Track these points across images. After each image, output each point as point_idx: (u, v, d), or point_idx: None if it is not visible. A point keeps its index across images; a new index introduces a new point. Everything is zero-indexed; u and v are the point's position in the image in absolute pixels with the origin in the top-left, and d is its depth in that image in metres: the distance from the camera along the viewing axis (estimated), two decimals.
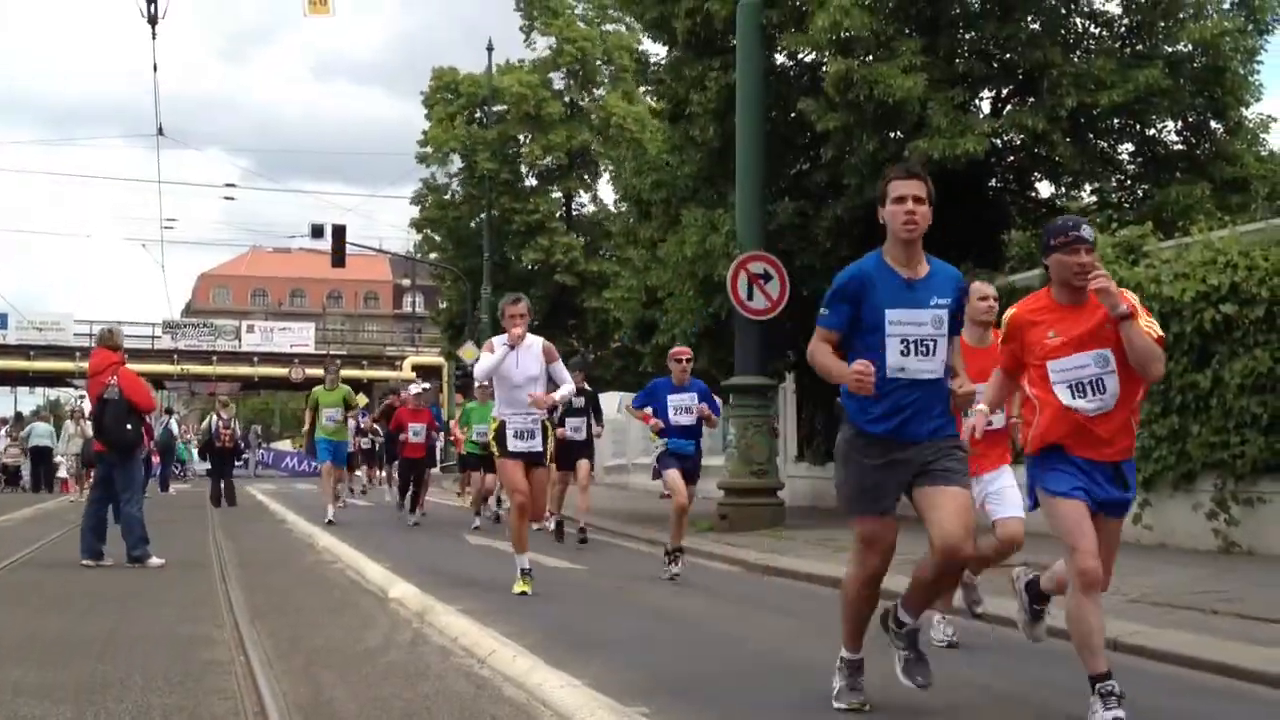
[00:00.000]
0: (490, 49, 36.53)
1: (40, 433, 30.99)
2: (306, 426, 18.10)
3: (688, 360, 11.00)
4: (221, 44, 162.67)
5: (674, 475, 10.51)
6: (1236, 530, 11.03)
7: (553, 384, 9.56)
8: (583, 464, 14.73)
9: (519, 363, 9.18)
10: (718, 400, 13.15)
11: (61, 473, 30.56)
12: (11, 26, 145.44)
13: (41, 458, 30.61)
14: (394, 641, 7.01)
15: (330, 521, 16.34)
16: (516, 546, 9.26)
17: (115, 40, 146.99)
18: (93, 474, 13.63)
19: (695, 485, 10.85)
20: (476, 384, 16.04)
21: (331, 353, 56.35)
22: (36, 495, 27.73)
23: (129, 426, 11.28)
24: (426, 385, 19.26)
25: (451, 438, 20.18)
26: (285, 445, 63.05)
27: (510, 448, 9.23)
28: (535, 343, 9.27)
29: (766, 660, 6.68)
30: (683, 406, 10.72)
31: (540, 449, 9.39)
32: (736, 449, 15.01)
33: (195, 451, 35.28)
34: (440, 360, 50.02)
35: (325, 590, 9.72)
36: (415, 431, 17.55)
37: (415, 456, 17.86)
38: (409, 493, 17.97)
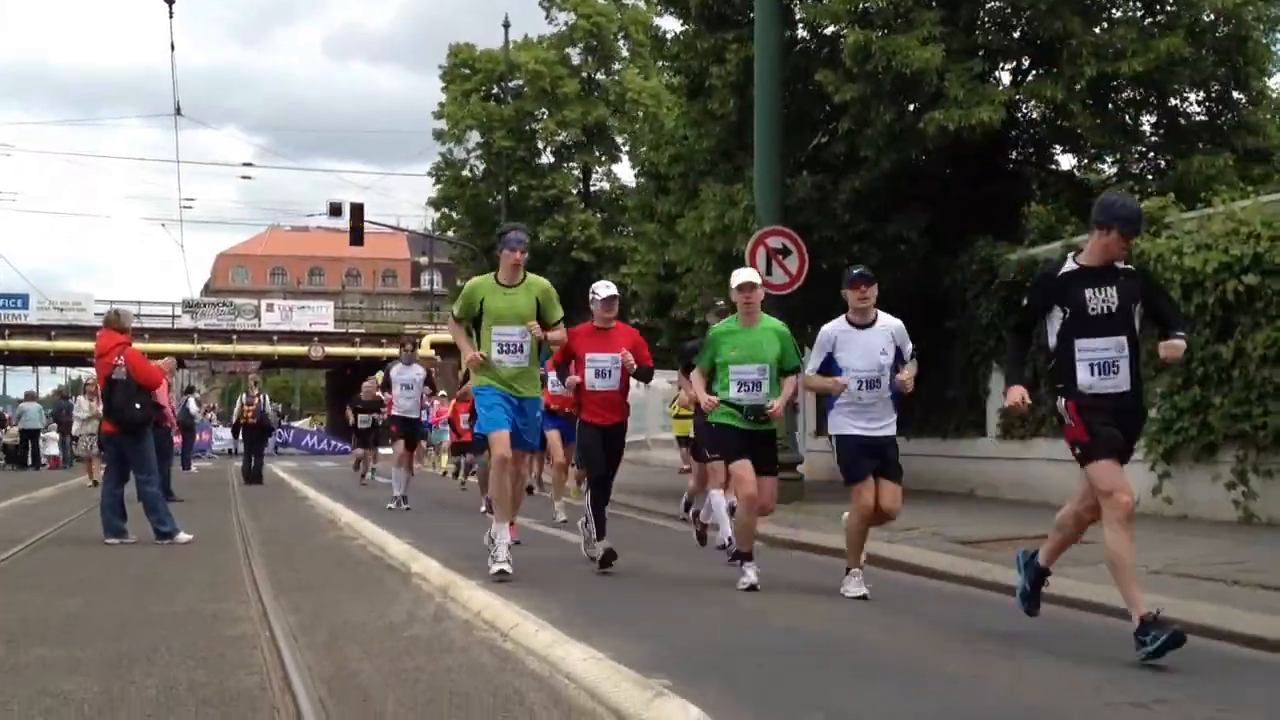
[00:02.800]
0: (507, 25, 36.48)
1: (31, 414, 31.77)
2: (466, 357, 8.83)
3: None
4: (238, 22, 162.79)
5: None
6: (1257, 502, 11.00)
7: None
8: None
9: None
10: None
11: (52, 449, 31.48)
12: (30, 7, 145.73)
13: (31, 438, 31.48)
14: (417, 616, 7.05)
15: (504, 571, 8.38)
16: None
17: (132, 20, 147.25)
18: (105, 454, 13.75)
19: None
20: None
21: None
22: (37, 474, 28.21)
23: (138, 405, 11.37)
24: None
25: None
26: (305, 424, 63.39)
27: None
28: None
29: (788, 633, 6.70)
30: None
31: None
32: None
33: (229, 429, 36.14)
34: None
35: (348, 566, 9.77)
36: (602, 371, 9.27)
37: (607, 422, 9.36)
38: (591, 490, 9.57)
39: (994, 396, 15.16)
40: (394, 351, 52.61)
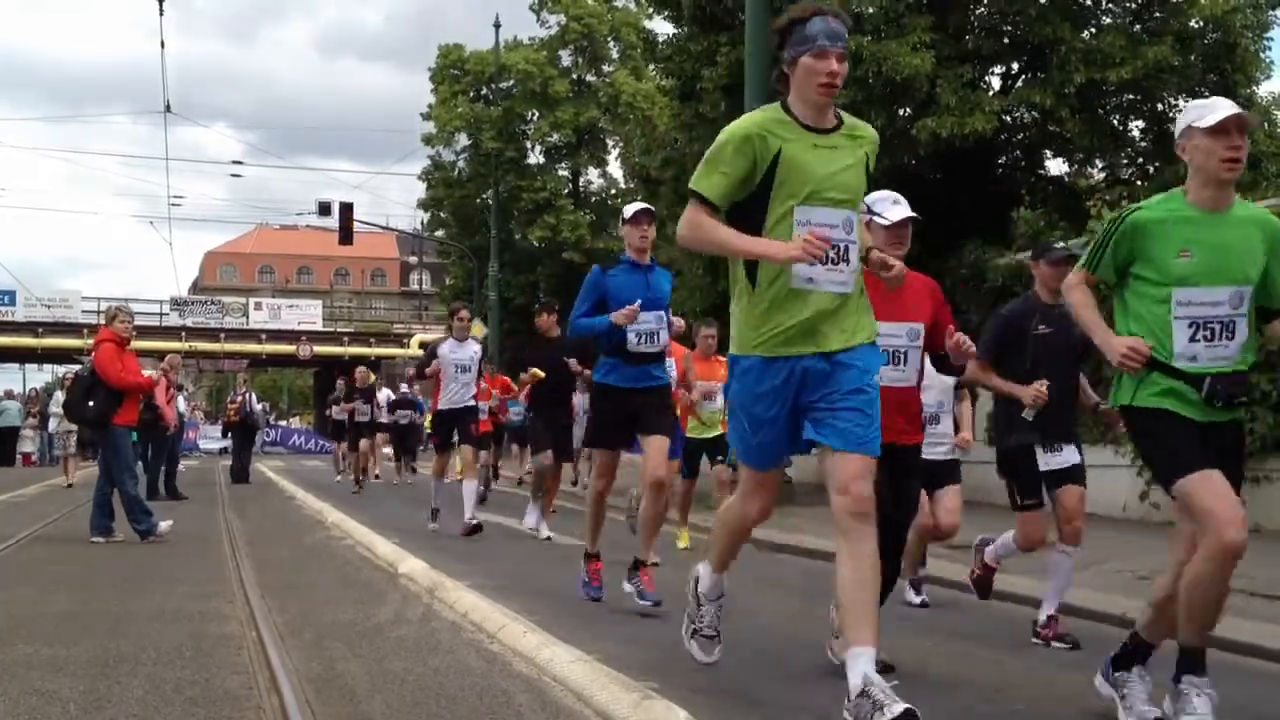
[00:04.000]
0: (497, 25, 36.47)
1: (11, 412, 31.93)
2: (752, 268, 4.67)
3: None
4: (228, 18, 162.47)
5: None
6: (1244, 509, 11.03)
7: None
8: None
9: None
10: None
11: (26, 446, 31.64)
12: (18, 2, 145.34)
13: (10, 436, 31.65)
14: (404, 617, 7.04)
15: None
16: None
17: (123, 16, 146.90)
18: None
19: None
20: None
21: (339, 328, 56.37)
22: (12, 471, 28.19)
23: (90, 402, 11.29)
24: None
25: None
26: (294, 423, 63.35)
27: None
28: None
29: (777, 635, 6.70)
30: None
31: None
32: None
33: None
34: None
35: (335, 566, 9.76)
36: (892, 353, 5.36)
37: (898, 441, 5.21)
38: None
39: (982, 399, 15.16)
40: (384, 352, 52.75)
